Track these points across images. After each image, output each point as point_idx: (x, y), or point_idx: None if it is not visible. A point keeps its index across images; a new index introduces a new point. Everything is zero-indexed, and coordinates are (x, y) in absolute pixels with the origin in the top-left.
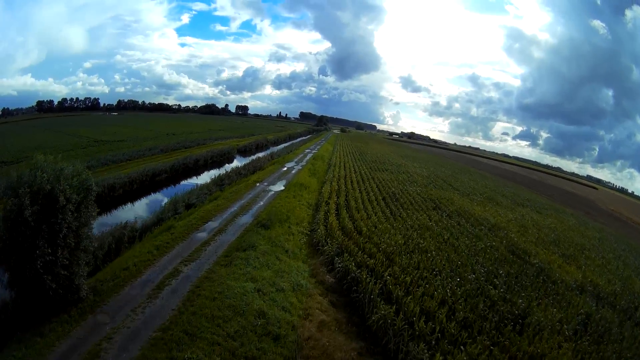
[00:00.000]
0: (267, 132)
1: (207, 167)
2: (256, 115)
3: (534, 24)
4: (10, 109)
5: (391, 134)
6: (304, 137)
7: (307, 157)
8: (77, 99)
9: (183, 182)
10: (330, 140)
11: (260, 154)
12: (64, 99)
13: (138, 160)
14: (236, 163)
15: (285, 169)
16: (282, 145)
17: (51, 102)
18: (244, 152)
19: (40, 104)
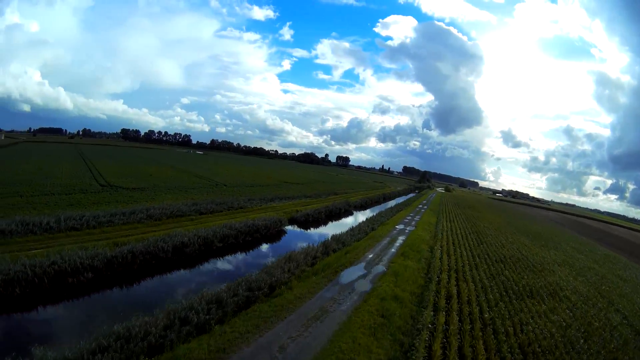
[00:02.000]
0: (359, 188)
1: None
2: (358, 167)
3: (615, 66)
4: (91, 130)
5: (494, 192)
6: (402, 199)
7: (397, 243)
8: (166, 132)
9: None
10: (433, 206)
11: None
12: (151, 131)
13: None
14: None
15: (343, 281)
16: (370, 211)
17: (137, 131)
18: (304, 224)
19: (125, 131)
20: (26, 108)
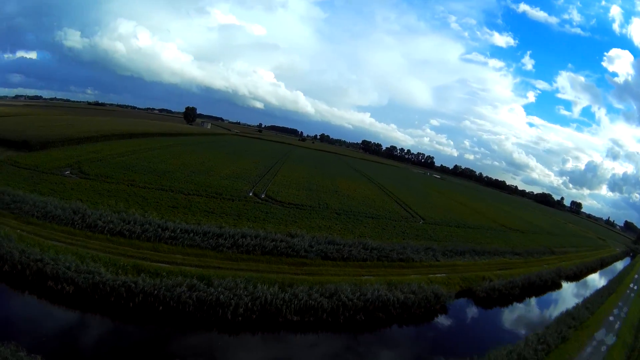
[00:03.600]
0: (582, 245)
1: None
2: (588, 217)
3: None
4: (330, 136)
5: None
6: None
7: None
8: (409, 151)
9: None
10: None
11: None
12: (393, 147)
13: None
14: None
15: None
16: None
17: (379, 145)
18: (482, 301)
19: (366, 143)
20: (258, 105)
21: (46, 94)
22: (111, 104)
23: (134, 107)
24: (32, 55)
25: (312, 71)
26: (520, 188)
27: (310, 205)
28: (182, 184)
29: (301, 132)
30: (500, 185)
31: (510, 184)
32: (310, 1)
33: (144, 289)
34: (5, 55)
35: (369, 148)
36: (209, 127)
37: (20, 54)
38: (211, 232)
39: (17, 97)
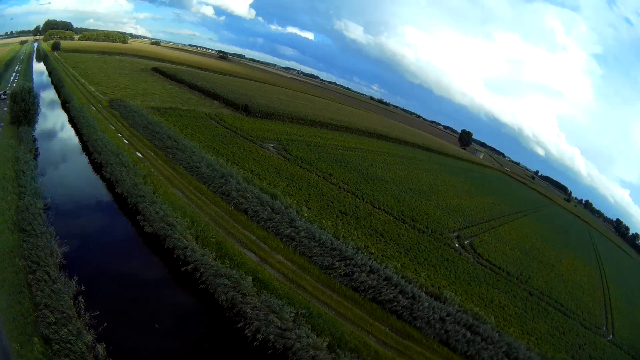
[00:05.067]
0: None
1: None
2: None
3: None
4: (593, 205)
5: None
6: None
7: None
8: None
9: None
10: None
11: None
12: None
13: None
14: None
15: None
16: None
17: (633, 233)
18: None
19: (619, 224)
20: (540, 151)
21: (325, 76)
22: (396, 106)
23: (419, 116)
24: (308, 35)
25: (589, 129)
26: None
27: (509, 271)
28: (384, 197)
29: (570, 192)
30: None
31: None
32: (589, 52)
33: None
34: (273, 27)
35: (620, 230)
36: (480, 156)
37: (292, 30)
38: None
39: (287, 69)
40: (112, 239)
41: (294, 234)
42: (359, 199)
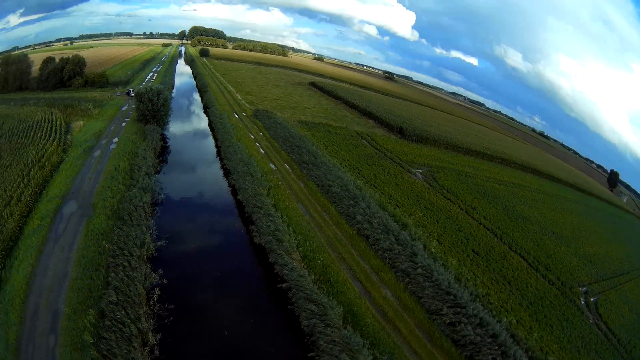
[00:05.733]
0: None
1: None
2: None
3: None
4: None
5: None
6: None
7: None
8: None
9: None
10: None
11: None
12: None
13: None
14: None
15: None
16: None
17: None
18: None
19: None
20: None
21: (490, 103)
22: (555, 140)
23: (575, 152)
24: (472, 60)
25: None
26: None
27: (620, 338)
28: (523, 239)
29: None
30: None
31: None
32: None
33: None
34: (437, 50)
35: None
36: (624, 200)
37: (455, 54)
38: None
39: (454, 94)
40: (218, 243)
41: (409, 270)
42: (497, 238)
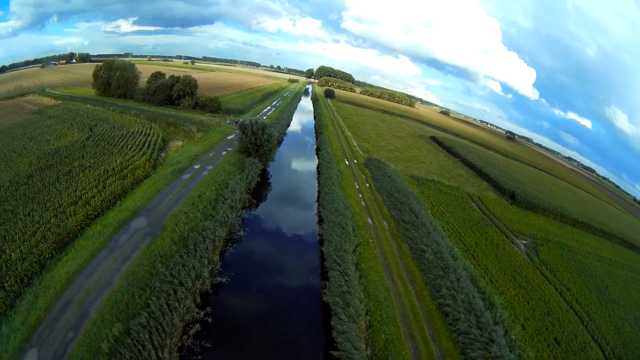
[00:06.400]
0: None
1: None
2: None
3: None
4: None
5: None
6: None
7: None
8: None
9: None
10: None
11: None
12: None
13: None
14: None
15: None
16: None
17: None
18: None
19: None
20: None
21: (601, 170)
22: None
23: None
24: (586, 122)
25: None
26: None
27: None
28: (606, 325)
29: None
30: None
31: None
32: None
33: None
34: (556, 111)
35: None
36: None
37: (572, 115)
38: None
39: (569, 159)
40: (283, 293)
41: None
42: (583, 325)
